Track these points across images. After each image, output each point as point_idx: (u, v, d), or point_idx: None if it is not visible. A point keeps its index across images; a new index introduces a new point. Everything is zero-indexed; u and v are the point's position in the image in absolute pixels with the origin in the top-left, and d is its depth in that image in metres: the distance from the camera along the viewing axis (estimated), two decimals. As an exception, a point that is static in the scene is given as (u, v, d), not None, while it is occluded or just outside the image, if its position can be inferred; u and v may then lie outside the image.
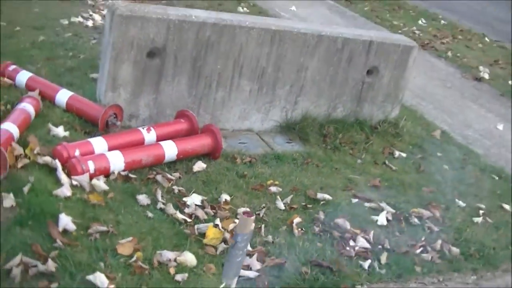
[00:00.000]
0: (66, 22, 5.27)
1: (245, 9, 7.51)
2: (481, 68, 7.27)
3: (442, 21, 10.21)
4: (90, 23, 5.46)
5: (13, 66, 3.67)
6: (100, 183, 2.73)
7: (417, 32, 8.59)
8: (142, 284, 2.18)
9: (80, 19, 5.49)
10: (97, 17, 5.66)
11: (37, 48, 4.43)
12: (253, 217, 2.03)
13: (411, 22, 9.45)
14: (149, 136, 3.19)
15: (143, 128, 3.22)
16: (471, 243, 3.17)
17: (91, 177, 2.74)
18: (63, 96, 3.42)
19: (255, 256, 2.52)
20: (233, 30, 3.61)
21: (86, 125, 3.31)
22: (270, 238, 2.72)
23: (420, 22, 9.68)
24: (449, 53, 7.76)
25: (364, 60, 4.17)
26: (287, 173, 3.46)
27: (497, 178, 4.16)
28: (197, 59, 3.54)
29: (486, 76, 7.01)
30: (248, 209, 2.85)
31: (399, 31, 8.07)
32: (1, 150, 2.54)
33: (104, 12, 5.29)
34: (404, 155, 4.14)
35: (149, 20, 3.32)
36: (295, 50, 3.87)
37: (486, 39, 9.51)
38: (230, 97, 3.78)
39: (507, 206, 3.74)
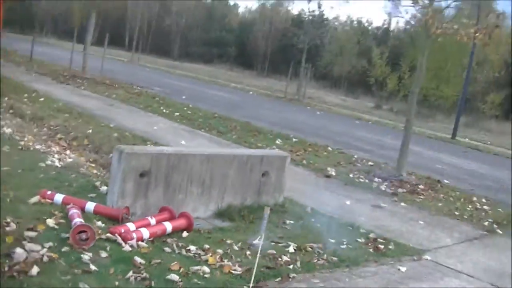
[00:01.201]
0: (43, 164, 7.39)
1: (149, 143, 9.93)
2: (328, 168, 10.20)
3: (294, 139, 13.26)
4: (58, 163, 7.62)
5: (49, 192, 5.82)
6: (142, 243, 4.97)
7: (277, 149, 11.47)
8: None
9: (49, 162, 7.63)
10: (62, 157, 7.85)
11: (45, 183, 6.50)
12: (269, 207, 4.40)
13: (271, 142, 12.34)
14: (153, 221, 5.47)
15: (150, 218, 5.50)
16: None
17: (138, 239, 4.98)
18: (90, 206, 5.61)
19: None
20: (186, 157, 6.07)
21: (109, 221, 5.50)
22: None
23: (277, 141, 12.63)
24: (304, 161, 10.64)
25: (259, 167, 6.77)
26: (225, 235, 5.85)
27: (350, 228, 6.79)
28: (167, 176, 5.93)
29: (333, 173, 9.93)
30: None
31: (266, 150, 10.84)
32: (91, 227, 4.74)
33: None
34: (292, 222, 6.67)
35: (141, 155, 5.70)
36: (220, 166, 6.38)
37: (329, 148, 12.64)
38: (186, 198, 6.16)
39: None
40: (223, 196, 6.49)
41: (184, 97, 19.86)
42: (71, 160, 8.15)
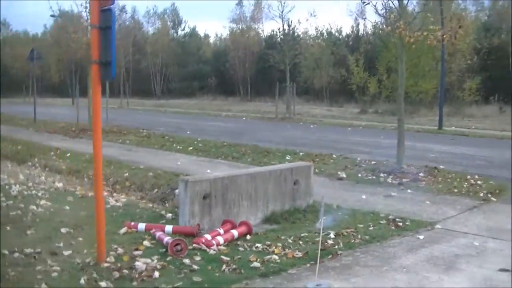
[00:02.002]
0: (108, 206, 8.79)
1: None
2: (339, 172, 11.69)
3: (301, 153, 14.74)
4: (118, 203, 9.03)
5: (132, 223, 7.24)
6: (221, 247, 6.41)
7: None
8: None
9: (111, 203, 9.03)
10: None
11: (121, 218, 7.86)
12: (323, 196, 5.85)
13: (282, 159, 13.75)
14: (221, 231, 6.89)
15: (219, 229, 6.93)
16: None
17: (217, 245, 6.42)
18: (168, 228, 7.03)
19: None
20: (235, 178, 7.54)
21: (186, 237, 6.91)
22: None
23: (287, 157, 14.07)
24: (316, 170, 12.04)
25: (291, 178, 8.25)
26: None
27: (372, 214, 8.25)
28: (223, 195, 7.37)
29: (344, 175, 11.42)
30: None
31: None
32: (184, 240, 6.17)
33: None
34: (325, 217, 8.10)
35: (202, 181, 7.16)
36: (261, 181, 7.85)
37: (334, 155, 14.13)
38: (239, 210, 7.60)
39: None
40: (267, 205, 7.95)
41: (188, 132, 21.35)
42: (125, 200, 9.56)
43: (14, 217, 7.71)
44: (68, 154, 14.84)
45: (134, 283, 5.25)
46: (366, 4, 12.53)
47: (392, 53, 34.39)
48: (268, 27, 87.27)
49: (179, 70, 67.20)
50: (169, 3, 73.81)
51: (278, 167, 8.60)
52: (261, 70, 59.16)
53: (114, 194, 10.29)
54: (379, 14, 12.29)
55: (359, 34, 59.01)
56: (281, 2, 35.27)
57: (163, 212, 8.20)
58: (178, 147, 16.40)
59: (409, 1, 12.36)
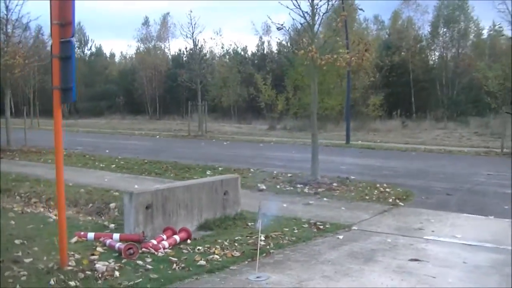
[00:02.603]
0: (51, 219, 9.34)
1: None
2: (259, 184, 12.70)
3: (220, 168, 15.65)
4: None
5: (82, 233, 7.90)
6: (167, 250, 7.21)
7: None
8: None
9: (52, 218, 9.58)
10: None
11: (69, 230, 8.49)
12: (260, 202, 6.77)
13: (203, 174, 14.58)
14: (164, 237, 7.69)
15: (162, 235, 7.72)
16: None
17: (163, 248, 7.22)
18: (116, 236, 7.73)
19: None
20: (173, 190, 8.37)
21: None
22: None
23: (207, 172, 14.94)
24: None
25: (221, 188, 9.16)
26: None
27: (295, 220, 9.28)
28: (163, 205, 8.17)
29: (264, 187, 12.45)
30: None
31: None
32: (136, 245, 6.94)
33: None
34: (252, 223, 9.06)
35: (145, 193, 7.94)
36: (196, 192, 8.71)
37: (251, 169, 15.14)
38: (177, 219, 8.41)
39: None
40: (201, 213, 8.80)
41: (107, 151, 21.79)
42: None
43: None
44: (-8, 174, 15.02)
45: (99, 282, 5.98)
46: (280, 29, 13.66)
47: (298, 72, 36.24)
48: (174, 45, 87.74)
49: (86, 90, 66.53)
50: (76, 22, 72.42)
51: (210, 179, 9.51)
52: (169, 89, 59.82)
53: (51, 210, 10.79)
54: (291, 41, 13.39)
55: (265, 52, 60.82)
56: (191, 23, 36.06)
57: (105, 223, 8.89)
58: (101, 165, 16.90)
59: (319, 27, 13.56)
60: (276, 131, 36.83)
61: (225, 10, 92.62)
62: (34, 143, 23.05)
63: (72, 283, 5.86)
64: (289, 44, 52.64)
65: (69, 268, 6.38)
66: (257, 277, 6.25)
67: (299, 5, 13.05)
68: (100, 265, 6.45)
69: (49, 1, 6.39)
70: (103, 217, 9.97)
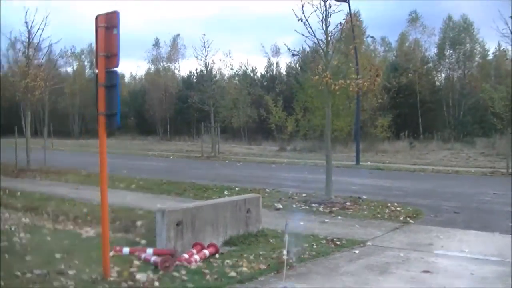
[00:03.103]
0: (83, 236, 9.99)
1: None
2: (275, 204, 13.34)
3: (236, 188, 16.28)
4: (91, 234, 10.25)
5: (118, 247, 8.55)
6: (199, 264, 7.85)
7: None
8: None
9: (84, 235, 10.23)
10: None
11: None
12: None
13: (221, 194, 15.22)
14: (194, 251, 8.33)
15: (192, 250, 8.36)
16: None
17: (195, 261, 7.86)
18: (149, 250, 8.37)
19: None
20: (201, 208, 9.02)
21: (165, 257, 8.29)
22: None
23: (225, 192, 15.59)
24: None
25: (244, 207, 9.81)
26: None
27: (313, 236, 9.90)
28: (192, 222, 8.82)
29: (281, 206, 13.08)
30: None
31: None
32: (171, 258, 7.58)
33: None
34: (274, 240, 9.67)
35: (176, 211, 8.60)
36: (221, 210, 9.36)
37: (267, 190, 15.76)
38: (205, 235, 9.05)
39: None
40: (226, 230, 9.44)
41: (125, 171, 22.46)
42: (93, 232, 10.77)
43: (5, 246, 8.82)
44: (19, 194, 15.70)
45: (142, 291, 6.65)
46: (296, 56, 14.39)
47: (307, 94, 36.93)
48: (184, 66, 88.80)
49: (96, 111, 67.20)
50: (87, 44, 73.90)
51: (233, 198, 10.20)
52: (179, 110, 60.65)
53: (80, 228, 11.44)
54: (307, 67, 14.09)
55: (273, 73, 61.69)
56: (204, 46, 36.87)
57: (137, 239, 9.54)
58: (121, 185, 17.56)
59: (333, 54, 14.27)
60: (286, 152, 37.49)
61: (233, 31, 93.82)
62: (52, 163, 23.76)
63: (118, 292, 6.51)
64: (298, 67, 53.65)
65: (112, 279, 7.03)
66: (285, 287, 6.88)
67: (314, 33, 13.77)
68: (140, 276, 7.10)
69: (94, 34, 7.09)
70: (130, 234, 10.60)
